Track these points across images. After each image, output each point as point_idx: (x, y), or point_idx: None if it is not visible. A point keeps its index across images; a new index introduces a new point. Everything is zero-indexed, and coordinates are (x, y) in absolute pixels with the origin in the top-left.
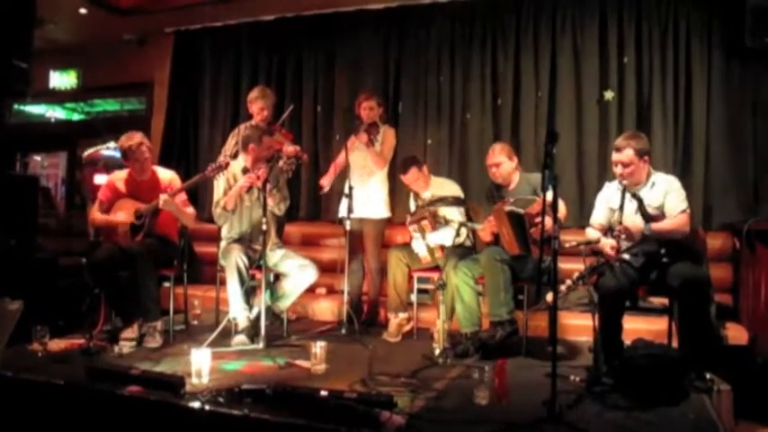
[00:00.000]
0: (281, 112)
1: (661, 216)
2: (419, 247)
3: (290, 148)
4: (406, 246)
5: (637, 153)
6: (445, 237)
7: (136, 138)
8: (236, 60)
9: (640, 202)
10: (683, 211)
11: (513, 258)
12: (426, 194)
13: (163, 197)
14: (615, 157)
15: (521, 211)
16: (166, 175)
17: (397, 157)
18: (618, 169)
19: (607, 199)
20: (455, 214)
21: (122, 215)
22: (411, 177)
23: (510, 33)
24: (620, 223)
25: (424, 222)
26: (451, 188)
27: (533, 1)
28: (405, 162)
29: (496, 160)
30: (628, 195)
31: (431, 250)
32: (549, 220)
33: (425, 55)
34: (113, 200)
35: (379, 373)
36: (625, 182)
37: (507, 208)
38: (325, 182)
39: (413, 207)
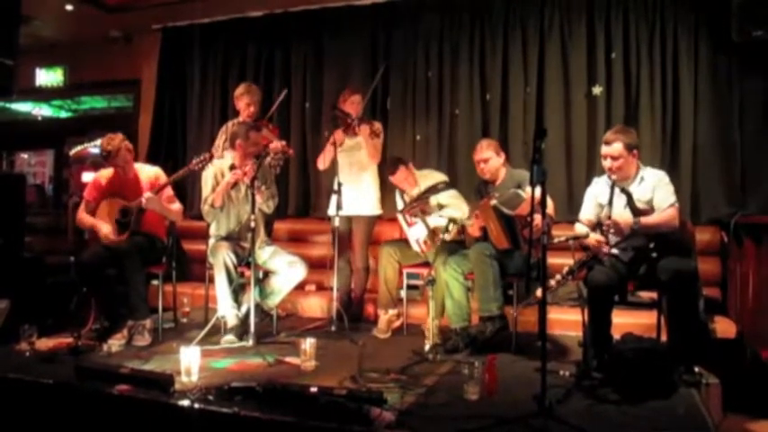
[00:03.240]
0: (268, 107)
1: (650, 211)
2: (420, 231)
3: (276, 144)
4: (398, 242)
5: (626, 147)
6: (442, 219)
7: (116, 141)
8: (224, 57)
9: (629, 196)
10: (672, 205)
11: (501, 253)
12: (414, 192)
13: (146, 195)
14: (604, 150)
15: (510, 212)
16: (151, 171)
17: (385, 151)
18: (607, 163)
19: (595, 194)
20: (447, 198)
21: (107, 227)
22: (400, 177)
23: (498, 28)
24: (609, 218)
25: (424, 206)
26: (436, 176)
27: None
28: (392, 162)
29: (484, 156)
30: (617, 190)
31: (432, 231)
32: (537, 216)
33: (413, 50)
34: (99, 199)
35: (368, 369)
36: (614, 176)
37: (492, 202)
38: (321, 161)
39: (400, 205)
